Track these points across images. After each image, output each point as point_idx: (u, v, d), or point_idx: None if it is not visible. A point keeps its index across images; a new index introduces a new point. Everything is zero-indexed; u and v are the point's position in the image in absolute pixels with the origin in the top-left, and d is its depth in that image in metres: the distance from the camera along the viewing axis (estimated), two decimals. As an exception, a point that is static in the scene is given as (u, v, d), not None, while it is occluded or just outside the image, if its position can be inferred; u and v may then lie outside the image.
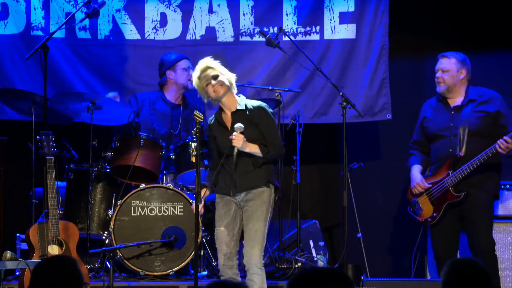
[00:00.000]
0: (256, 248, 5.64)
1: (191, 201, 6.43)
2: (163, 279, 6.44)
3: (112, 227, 6.46)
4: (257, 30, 7.45)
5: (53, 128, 6.26)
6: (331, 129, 7.84)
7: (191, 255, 6.39)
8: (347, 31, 7.59)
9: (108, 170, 6.74)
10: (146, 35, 7.60)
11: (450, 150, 6.40)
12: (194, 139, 6.48)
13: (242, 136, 5.61)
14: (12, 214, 7.11)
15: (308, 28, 7.61)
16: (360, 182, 7.53)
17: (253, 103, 5.83)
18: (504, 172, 6.57)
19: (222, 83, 5.71)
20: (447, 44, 7.06)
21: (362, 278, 6.32)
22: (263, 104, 5.83)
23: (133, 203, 6.54)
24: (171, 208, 6.56)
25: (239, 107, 5.76)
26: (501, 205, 6.84)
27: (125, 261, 6.46)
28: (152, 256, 6.49)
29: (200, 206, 5.71)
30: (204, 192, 5.81)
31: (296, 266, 6.63)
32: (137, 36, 7.59)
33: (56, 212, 5.83)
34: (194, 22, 7.62)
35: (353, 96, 7.16)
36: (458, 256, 6.52)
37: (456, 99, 6.52)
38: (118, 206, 6.49)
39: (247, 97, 5.98)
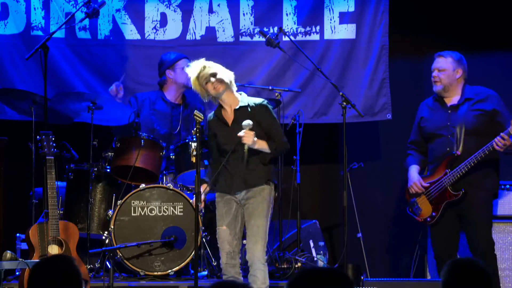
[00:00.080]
0: (259, 243, 5.65)
1: (191, 201, 6.43)
2: (163, 279, 6.44)
3: (112, 227, 6.46)
4: (257, 30, 7.45)
5: (53, 128, 6.26)
6: (331, 129, 7.84)
7: (191, 255, 6.38)
8: (347, 31, 7.58)
9: (108, 170, 6.74)
10: (146, 35, 7.59)
11: (448, 149, 6.40)
12: (194, 139, 6.47)
13: (252, 132, 5.61)
14: (12, 214, 7.11)
15: (308, 28, 7.60)
16: (360, 182, 7.53)
17: (254, 100, 5.84)
18: (504, 172, 6.57)
19: (221, 80, 5.72)
20: (447, 44, 7.06)
21: (362, 278, 6.32)
22: (265, 101, 5.84)
23: (133, 203, 6.54)
24: (171, 208, 6.56)
25: (241, 104, 5.77)
26: (501, 205, 6.84)
27: (125, 261, 6.46)
28: (152, 256, 6.49)
29: (202, 196, 5.72)
30: (205, 188, 5.82)
31: (296, 266, 6.63)
32: (137, 36, 7.59)
33: (56, 212, 5.83)
34: (194, 22, 7.62)
35: (353, 96, 7.15)
36: (458, 256, 6.52)
37: (453, 98, 6.52)
38: (118, 206, 6.49)
39: (247, 97, 5.99)
